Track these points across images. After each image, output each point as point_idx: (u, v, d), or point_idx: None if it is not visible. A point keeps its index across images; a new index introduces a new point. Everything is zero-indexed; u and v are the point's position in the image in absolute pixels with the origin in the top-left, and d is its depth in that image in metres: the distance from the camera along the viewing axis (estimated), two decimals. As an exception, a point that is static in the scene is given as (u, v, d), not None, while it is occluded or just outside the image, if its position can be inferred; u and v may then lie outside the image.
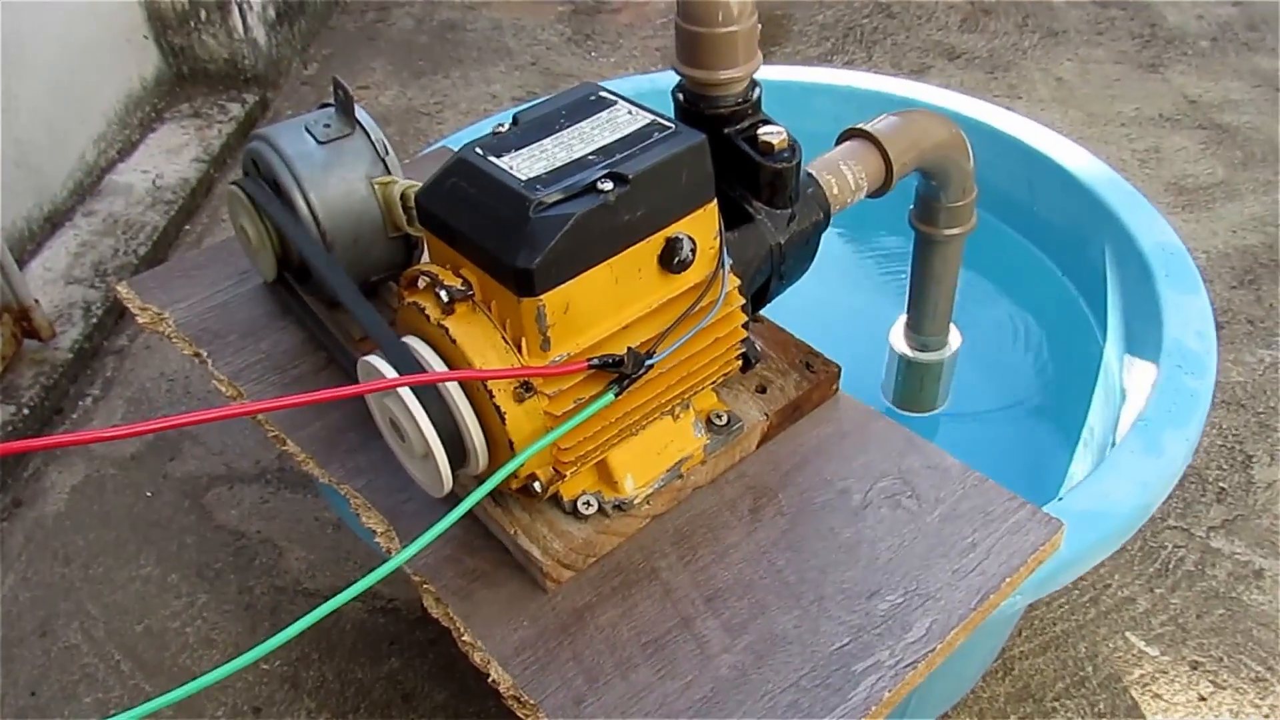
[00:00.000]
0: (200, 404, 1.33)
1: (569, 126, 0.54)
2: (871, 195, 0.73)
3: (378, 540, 0.63)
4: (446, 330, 0.52)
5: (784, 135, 0.60)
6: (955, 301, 0.91)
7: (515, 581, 0.59)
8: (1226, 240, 1.50)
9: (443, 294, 0.52)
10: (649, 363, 0.53)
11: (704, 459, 0.62)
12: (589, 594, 0.58)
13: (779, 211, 0.62)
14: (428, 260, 0.57)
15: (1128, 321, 0.87)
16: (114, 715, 0.40)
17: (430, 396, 0.52)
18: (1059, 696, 0.96)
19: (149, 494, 1.22)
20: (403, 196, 0.67)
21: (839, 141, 0.73)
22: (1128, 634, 1.01)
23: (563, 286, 0.50)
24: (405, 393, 0.51)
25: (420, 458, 0.54)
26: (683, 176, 0.53)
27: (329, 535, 1.16)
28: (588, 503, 0.59)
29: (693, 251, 0.54)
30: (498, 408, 0.51)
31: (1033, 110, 1.84)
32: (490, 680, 0.54)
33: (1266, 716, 0.94)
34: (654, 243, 0.53)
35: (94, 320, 1.41)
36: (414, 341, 0.53)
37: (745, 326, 0.59)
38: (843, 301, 1.16)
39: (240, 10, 1.89)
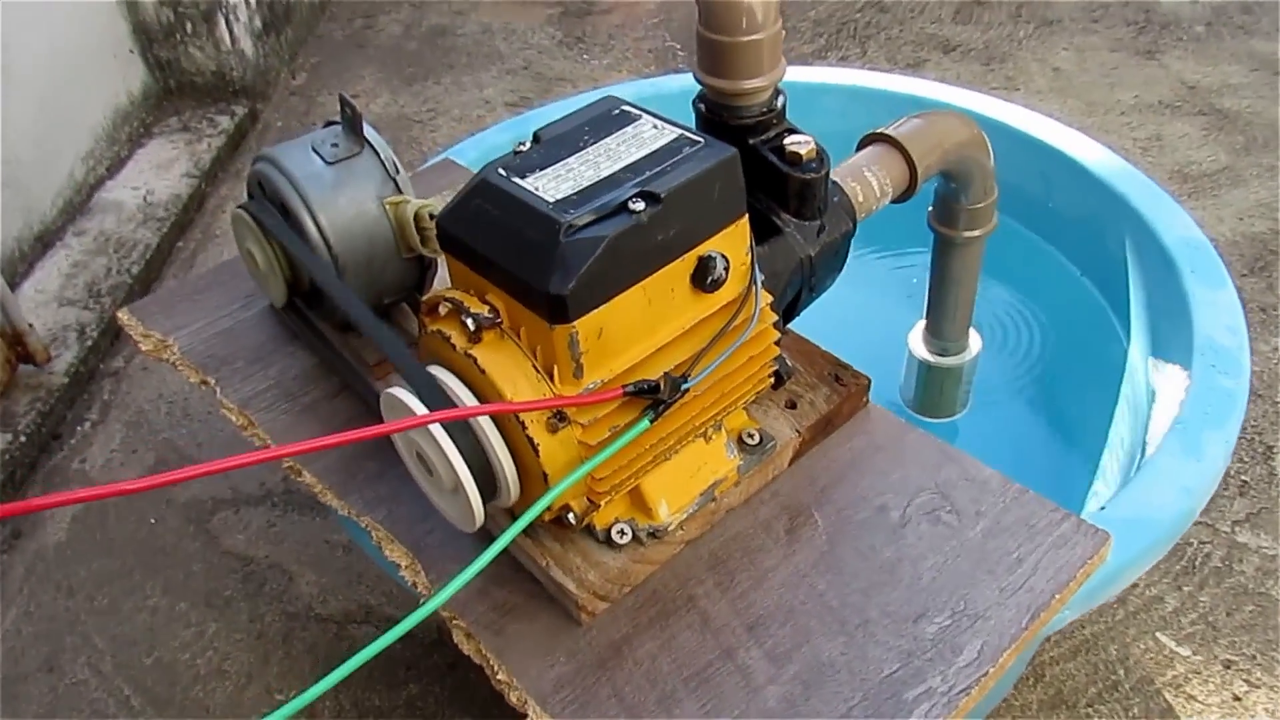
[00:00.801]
0: (201, 426, 1.30)
1: (593, 143, 0.52)
2: (895, 200, 0.71)
3: (403, 574, 0.61)
4: (475, 360, 0.49)
5: (812, 145, 0.59)
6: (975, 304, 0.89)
7: (548, 614, 0.57)
8: (1234, 227, 1.49)
9: (469, 321, 0.49)
10: (685, 387, 0.51)
11: (738, 480, 0.61)
12: (625, 626, 0.56)
13: (808, 223, 0.60)
14: (445, 282, 0.55)
15: (1153, 320, 0.85)
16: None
17: (460, 430, 0.50)
18: (1092, 702, 0.95)
19: (153, 520, 1.19)
20: (416, 216, 0.65)
21: (860, 147, 0.71)
22: (1158, 634, 0.99)
23: (596, 312, 0.48)
24: (436, 428, 0.49)
25: (449, 492, 0.52)
26: (715, 192, 0.51)
27: (340, 558, 1.13)
28: (622, 531, 0.57)
29: (726, 269, 0.52)
30: (531, 439, 0.49)
31: (1031, 101, 1.82)
32: (528, 721, 0.52)
33: (1302, 714, 0.93)
34: (687, 262, 0.51)
35: (89, 342, 1.38)
36: (440, 372, 0.51)
37: (777, 343, 0.58)
38: (853, 305, 1.14)
39: (227, 21, 1.86)
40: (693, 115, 0.62)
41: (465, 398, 0.50)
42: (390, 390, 0.51)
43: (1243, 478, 1.13)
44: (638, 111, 0.55)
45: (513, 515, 0.54)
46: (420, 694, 1.00)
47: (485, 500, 0.52)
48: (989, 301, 0.99)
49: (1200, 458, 0.68)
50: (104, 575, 1.14)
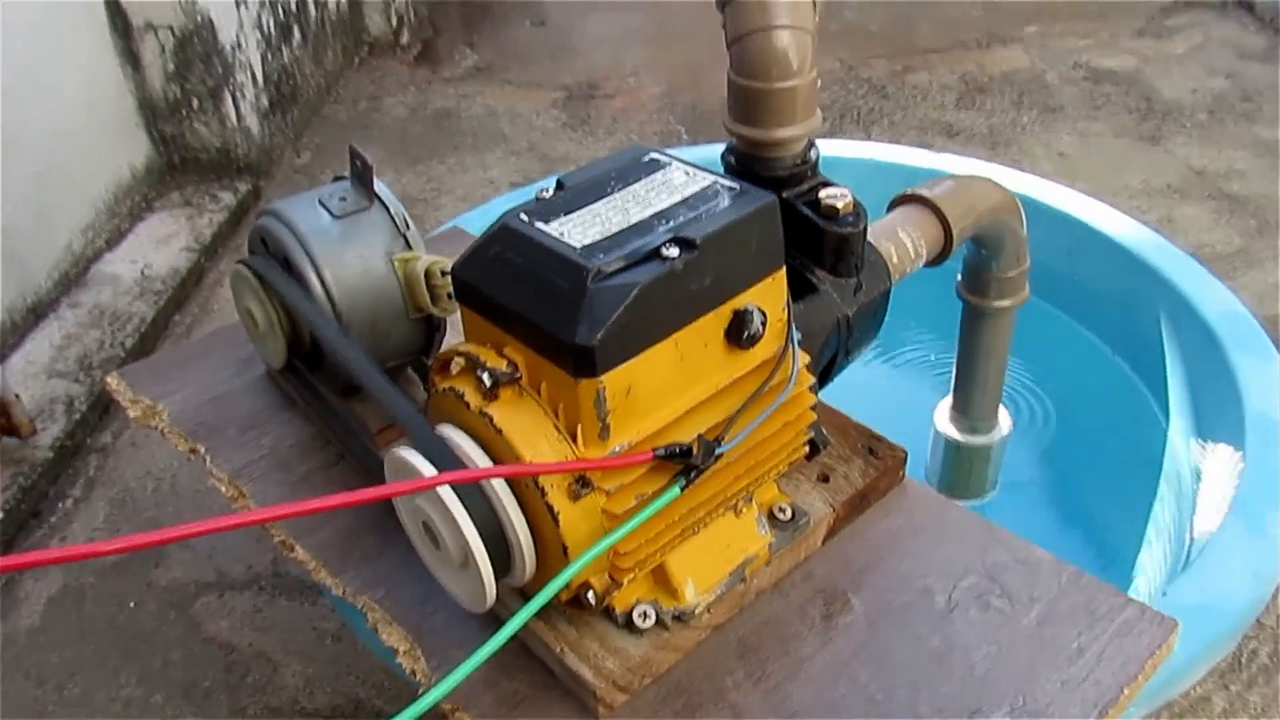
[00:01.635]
0: (188, 504, 1.25)
1: (622, 189, 0.49)
2: (929, 264, 0.68)
3: (400, 660, 0.55)
4: (490, 418, 0.45)
5: (849, 198, 0.55)
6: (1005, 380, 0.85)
7: (562, 708, 0.51)
8: (1253, 310, 1.45)
9: (485, 377, 0.45)
10: (719, 451, 0.47)
11: (769, 558, 0.56)
12: (649, 721, 0.50)
13: (844, 280, 0.57)
14: (457, 343, 0.51)
15: (1195, 396, 0.81)
16: None
17: (472, 496, 0.45)
18: (1139, 809, 0.87)
19: (132, 604, 1.13)
20: (427, 273, 0.61)
21: (891, 207, 0.68)
22: (1205, 736, 0.93)
23: (625, 366, 0.44)
24: (446, 492, 0.44)
25: (458, 567, 0.47)
26: (753, 241, 0.47)
27: (329, 647, 1.07)
28: (644, 613, 0.52)
29: (763, 324, 0.48)
30: (550, 507, 0.44)
31: (1039, 185, 1.81)
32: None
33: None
34: (721, 315, 0.47)
35: (77, 416, 1.33)
36: (451, 431, 0.47)
37: (814, 409, 0.53)
38: (873, 380, 1.10)
39: (233, 99, 1.87)
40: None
41: (478, 459, 0.45)
42: (396, 451, 0.47)
43: (1282, 567, 1.08)
44: (667, 158, 0.51)
45: (525, 596, 0.49)
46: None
47: (498, 577, 0.47)
48: (1014, 380, 0.95)
49: (1264, 538, 0.63)
50: (77, 662, 1.07)
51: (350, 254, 0.62)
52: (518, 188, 1.94)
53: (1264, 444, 0.69)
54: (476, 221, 1.03)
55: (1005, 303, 0.78)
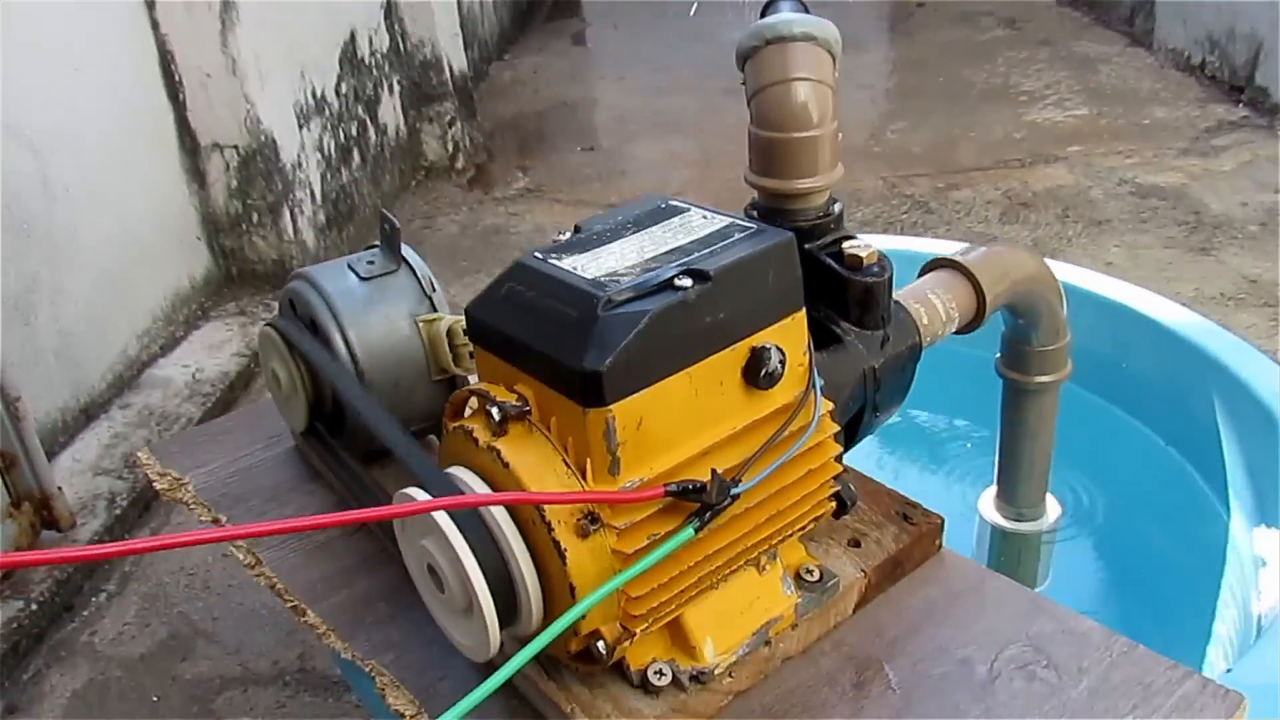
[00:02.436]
0: (219, 599, 1.23)
1: (638, 231, 0.49)
2: (960, 330, 0.66)
3: (406, 726, 0.52)
4: (498, 453, 0.44)
5: (873, 249, 0.54)
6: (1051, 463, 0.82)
7: (572, 775, 0.48)
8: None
9: (494, 411, 0.44)
10: (735, 491, 0.45)
11: (795, 621, 0.53)
12: (664, 791, 0.47)
13: (870, 333, 0.55)
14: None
15: (1255, 481, 0.77)
16: None
17: (476, 533, 0.43)
18: None
19: (155, 698, 1.10)
20: (450, 332, 0.61)
21: (922, 272, 0.67)
22: None
23: (635, 397, 0.43)
24: (447, 526, 0.42)
25: (461, 612, 0.45)
26: (769, 277, 0.46)
27: (350, 744, 1.03)
28: (660, 672, 0.49)
29: (782, 364, 0.47)
30: (557, 543, 0.43)
31: (1087, 293, 1.79)
32: None
33: None
34: (738, 352, 0.46)
35: (117, 511, 1.34)
36: (459, 471, 0.46)
37: (839, 460, 0.51)
38: (911, 471, 1.07)
39: (291, 214, 1.94)
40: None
41: (481, 492, 0.44)
42: (404, 490, 0.46)
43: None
44: (686, 205, 0.51)
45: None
46: None
47: (503, 624, 0.44)
48: (1061, 473, 0.91)
49: (1335, 619, 0.58)
50: (97, 759, 1.04)
51: (375, 315, 0.62)
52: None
53: (1330, 521, 0.65)
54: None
55: (1047, 378, 0.76)
